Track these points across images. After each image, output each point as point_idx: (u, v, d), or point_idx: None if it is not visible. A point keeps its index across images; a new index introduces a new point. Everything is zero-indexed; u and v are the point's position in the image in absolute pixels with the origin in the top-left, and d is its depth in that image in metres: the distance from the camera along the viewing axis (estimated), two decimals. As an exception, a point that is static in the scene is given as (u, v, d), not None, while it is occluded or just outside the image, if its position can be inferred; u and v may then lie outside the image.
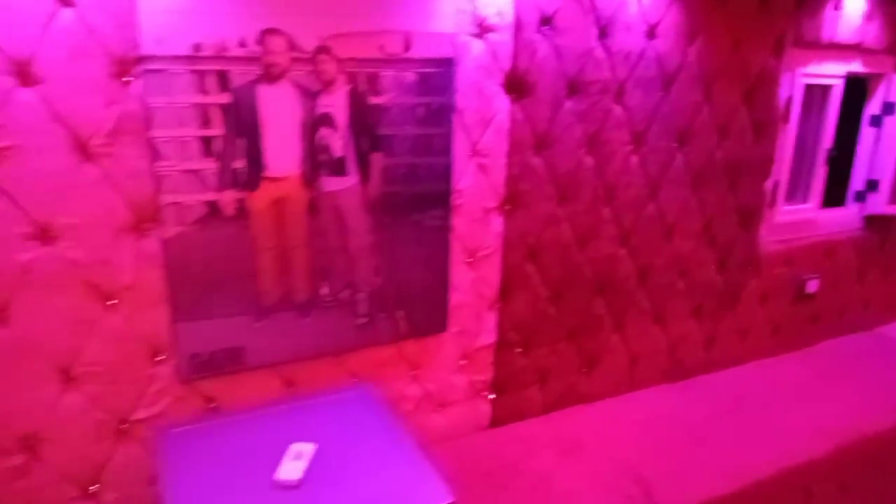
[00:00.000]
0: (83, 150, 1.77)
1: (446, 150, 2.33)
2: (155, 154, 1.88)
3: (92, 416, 1.96)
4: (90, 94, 1.76)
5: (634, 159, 2.80)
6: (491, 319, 2.67)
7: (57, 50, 1.69)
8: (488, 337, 2.67)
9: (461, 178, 2.36)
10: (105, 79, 1.77)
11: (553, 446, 2.63)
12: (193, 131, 1.92)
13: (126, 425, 2.02)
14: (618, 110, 2.68)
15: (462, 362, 2.65)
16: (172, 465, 1.77)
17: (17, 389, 1.84)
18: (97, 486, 2.03)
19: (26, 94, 1.68)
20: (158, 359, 2.01)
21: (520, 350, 2.78)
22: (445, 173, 2.36)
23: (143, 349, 1.99)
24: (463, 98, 2.27)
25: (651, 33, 2.67)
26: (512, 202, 2.51)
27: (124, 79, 1.79)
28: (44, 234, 1.79)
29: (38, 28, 1.64)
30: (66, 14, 1.69)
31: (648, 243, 2.99)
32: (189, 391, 2.09)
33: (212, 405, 2.15)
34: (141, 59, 1.80)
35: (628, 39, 2.58)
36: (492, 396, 2.76)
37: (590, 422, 2.85)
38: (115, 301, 1.92)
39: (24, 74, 1.67)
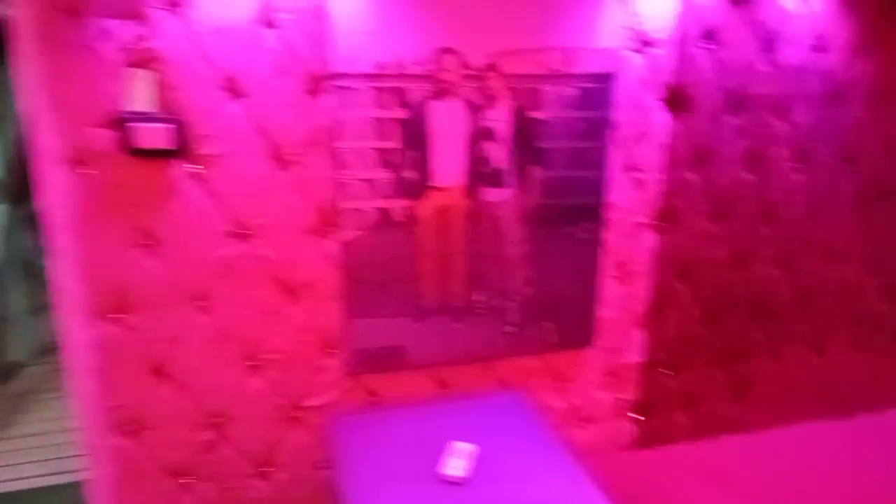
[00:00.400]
0: (279, 158, 1.95)
1: (601, 164, 2.34)
2: (338, 163, 2.03)
3: (271, 401, 2.13)
4: (288, 108, 1.93)
5: (796, 177, 2.65)
6: (638, 337, 2.60)
7: (261, 67, 1.87)
8: (635, 355, 2.61)
9: (615, 192, 2.35)
10: (301, 94, 1.94)
11: (701, 474, 2.51)
12: (372, 143, 2.06)
13: (299, 412, 2.18)
14: (780, 126, 2.55)
15: (607, 379, 2.60)
16: (343, 451, 1.89)
17: (213, 371, 2.05)
18: (272, 468, 2.19)
19: (234, 107, 1.87)
20: (331, 352, 2.16)
21: (667, 371, 2.68)
22: (599, 187, 2.36)
23: (318, 341, 2.14)
24: (621, 112, 2.26)
25: (817, 47, 2.52)
26: (665, 218, 2.46)
27: (317, 94, 1.94)
28: (242, 233, 1.99)
29: (245, 47, 1.83)
30: (270, 35, 1.87)
31: (809, 266, 2.81)
32: (355, 384, 2.22)
33: (374, 398, 2.26)
34: (332, 77, 1.95)
35: (793, 53, 2.46)
36: (638, 417, 2.68)
37: (741, 452, 2.69)
38: (298, 296, 2.08)
39: (233, 89, 1.86)
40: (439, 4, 2.03)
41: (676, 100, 2.34)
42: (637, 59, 2.26)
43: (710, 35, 2.32)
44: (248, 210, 1.96)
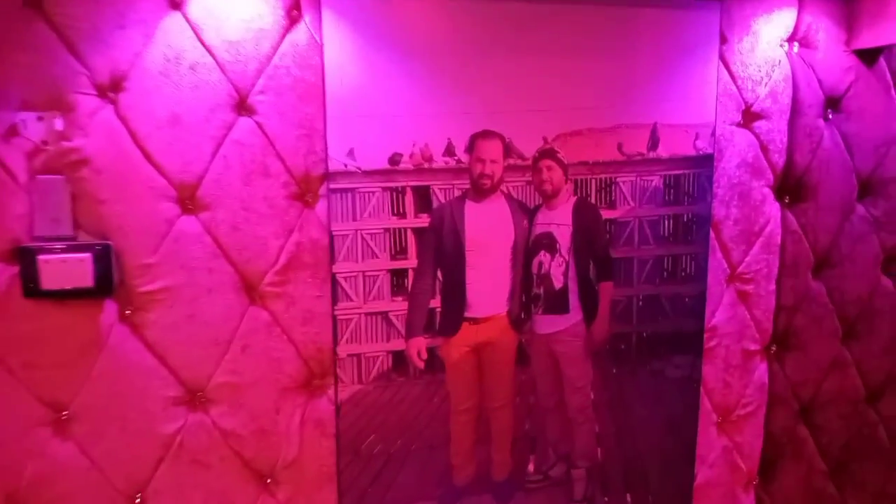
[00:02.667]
0: (251, 290, 1.52)
1: (698, 275, 1.85)
2: (336, 293, 1.55)
3: None
4: (265, 221, 1.49)
5: (950, 281, 2.11)
6: (748, 503, 1.94)
7: (228, 168, 1.44)
8: (744, 527, 1.97)
9: (716, 311, 1.89)
10: (283, 201, 1.49)
11: None
12: (384, 263, 1.57)
13: None
14: (928, 215, 2.07)
15: (710, 562, 1.93)
16: None
17: None
18: None
19: (189, 224, 1.45)
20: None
21: (789, 547, 2.02)
22: (695, 306, 1.87)
23: (305, 546, 1.52)
24: (721, 206, 1.84)
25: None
26: (781, 342, 1.99)
27: (305, 201, 1.49)
28: (195, 398, 1.50)
29: (206, 141, 1.41)
30: (242, 124, 1.44)
31: (972, 397, 2.15)
32: None
33: None
34: (326, 177, 1.46)
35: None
36: None
37: None
38: (276, 483, 1.51)
39: (187, 200, 1.43)
40: (475, 72, 1.50)
41: (792, 187, 1.92)
42: (741, 136, 1.83)
43: (834, 103, 1.89)
44: (204, 366, 1.49)
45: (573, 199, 1.66)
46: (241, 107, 1.42)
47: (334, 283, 1.51)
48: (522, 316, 1.68)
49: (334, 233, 1.48)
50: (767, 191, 1.86)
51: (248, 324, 1.49)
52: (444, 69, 1.47)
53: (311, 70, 1.42)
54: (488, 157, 1.54)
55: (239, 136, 1.42)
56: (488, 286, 1.61)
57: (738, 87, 1.76)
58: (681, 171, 1.74)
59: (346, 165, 1.46)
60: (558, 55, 1.56)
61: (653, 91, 1.65)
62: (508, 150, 1.57)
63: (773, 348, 1.97)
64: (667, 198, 1.75)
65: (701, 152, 1.75)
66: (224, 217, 1.44)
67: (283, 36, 1.41)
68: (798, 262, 1.94)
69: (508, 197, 1.60)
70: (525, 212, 1.62)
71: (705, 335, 1.89)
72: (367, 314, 1.54)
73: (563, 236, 1.65)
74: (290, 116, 1.44)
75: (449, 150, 1.52)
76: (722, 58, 1.72)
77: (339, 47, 1.42)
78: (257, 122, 1.43)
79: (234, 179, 1.43)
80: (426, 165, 1.50)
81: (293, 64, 1.42)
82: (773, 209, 1.88)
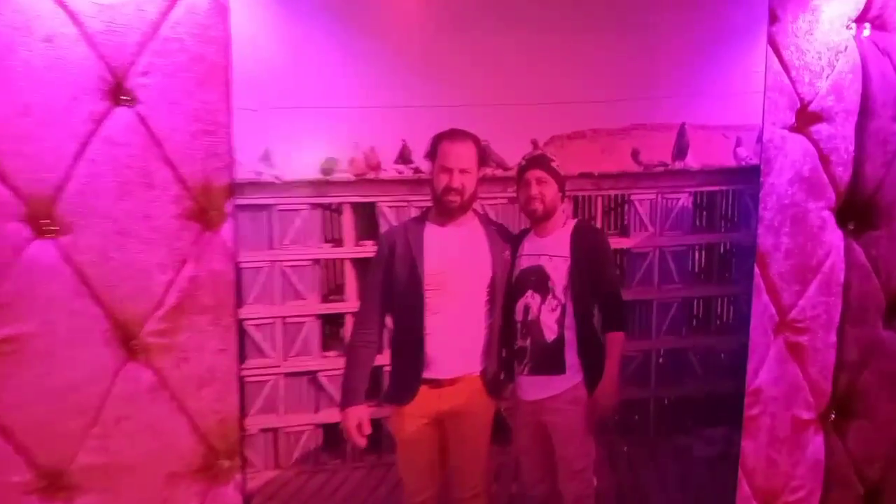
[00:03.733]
0: (128, 340, 1.22)
1: (737, 324, 1.54)
2: (244, 346, 1.22)
3: None
4: (147, 247, 1.20)
5: None
6: None
7: (96, 177, 1.15)
8: None
9: (760, 369, 1.61)
10: (173, 221, 1.20)
11: None
12: (312, 306, 1.25)
13: None
14: None
15: None
16: None
17: None
18: None
19: (42, 251, 1.15)
20: None
21: None
22: (734, 363, 1.55)
23: None
24: (769, 234, 1.57)
25: None
26: (842, 408, 1.71)
27: (203, 222, 1.19)
28: (50, 486, 1.21)
29: (70, 141, 1.13)
30: (119, 117, 1.14)
31: None
32: None
33: None
34: (233, 189, 1.15)
35: None
36: None
37: None
38: None
39: (43, 218, 1.13)
40: (443, 50, 1.17)
41: (859, 210, 1.65)
42: (794, 143, 1.56)
43: (915, 102, 1.61)
44: (64, 443, 1.21)
45: (571, 222, 1.41)
46: (117, 93, 1.15)
47: (242, 332, 1.15)
48: (502, 377, 1.41)
49: (242, 265, 1.14)
50: (828, 214, 1.60)
51: (125, 386, 1.22)
52: (400, 45, 1.12)
53: (214, 44, 1.16)
54: (457, 166, 1.22)
55: (112, 132, 1.16)
56: (455, 337, 1.31)
57: (791, 79, 1.51)
58: (716, 188, 1.41)
59: (259, 174, 1.12)
60: (556, 31, 1.24)
61: (681, 82, 1.31)
62: (484, 156, 1.26)
63: (832, 416, 1.70)
64: (697, 222, 1.43)
65: (743, 163, 1.42)
66: (91, 242, 1.17)
67: (177, -3, 1.12)
68: (866, 306, 1.68)
69: (484, 219, 1.33)
70: (507, 239, 1.39)
71: (746, 400, 1.62)
72: (287, 375, 1.21)
73: (558, 272, 1.37)
74: (185, 106, 1.18)
75: (403, 156, 1.19)
76: (771, 42, 1.49)
77: (251, 13, 1.07)
78: (139, 115, 1.16)
79: (106, 192, 1.17)
80: (371, 175, 1.19)
81: (189, 36, 1.15)
82: (834, 238, 1.62)
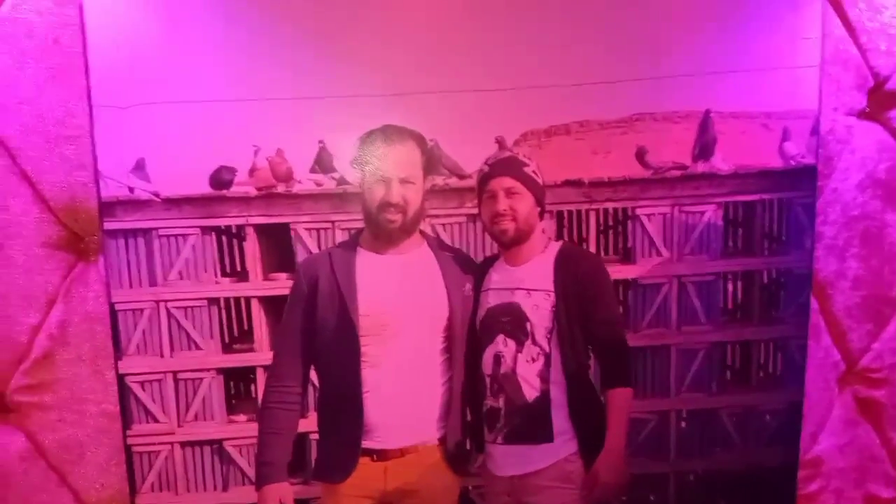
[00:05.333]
0: None
1: (788, 375, 1.24)
2: (127, 408, 0.96)
3: None
4: (6, 284, 0.93)
5: None
6: None
7: None
8: None
9: (820, 433, 1.37)
10: (37, 250, 0.94)
11: None
12: (212, 357, 0.99)
13: None
14: None
15: None
16: None
17: None
18: None
19: None
20: None
21: None
22: (783, 426, 1.29)
23: None
24: (831, 256, 1.29)
25: None
26: None
27: (79, 248, 0.96)
28: None
29: None
30: None
31: None
32: None
33: None
34: (105, 209, 0.85)
35: None
36: None
37: None
38: None
39: None
40: (376, 16, 0.88)
41: None
42: (865, 136, 1.27)
43: None
44: None
45: (555, 246, 1.12)
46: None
47: (125, 390, 0.90)
48: (468, 447, 1.15)
49: (118, 306, 0.88)
50: (910, 227, 1.31)
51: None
52: (313, 17, 0.85)
53: (69, 27, 0.89)
54: (395, 175, 0.95)
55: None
56: (403, 396, 1.02)
57: (860, 47, 1.20)
58: (755, 197, 1.14)
59: (131, 190, 0.86)
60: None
61: (703, 55, 1.03)
62: (432, 160, 1.00)
63: (919, 494, 1.29)
64: (730, 243, 1.17)
65: (793, 163, 1.14)
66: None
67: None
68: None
69: (436, 243, 1.08)
70: (467, 269, 1.08)
71: (800, 474, 1.34)
72: (184, 444, 0.96)
73: (539, 311, 1.09)
74: (37, 105, 0.88)
75: (322, 162, 0.92)
76: (831, -4, 1.27)
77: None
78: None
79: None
80: (281, 188, 0.93)
81: (36, 14, 0.88)
82: (919, 259, 1.30)
